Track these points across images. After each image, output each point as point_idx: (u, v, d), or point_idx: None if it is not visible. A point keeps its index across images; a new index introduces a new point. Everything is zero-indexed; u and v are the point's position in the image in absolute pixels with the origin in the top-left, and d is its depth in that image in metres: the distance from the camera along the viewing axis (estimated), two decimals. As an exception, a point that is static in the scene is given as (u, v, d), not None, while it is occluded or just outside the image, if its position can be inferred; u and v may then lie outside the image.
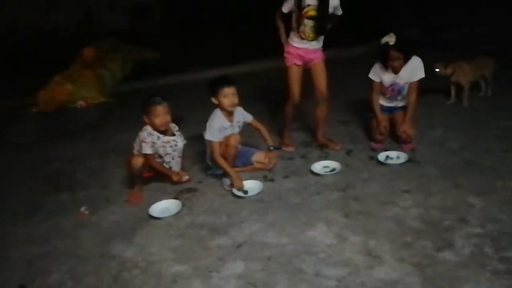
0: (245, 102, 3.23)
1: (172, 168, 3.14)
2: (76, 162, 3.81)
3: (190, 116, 4.34)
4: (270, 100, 4.73)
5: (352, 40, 6.95)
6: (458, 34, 6.88)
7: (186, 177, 3.16)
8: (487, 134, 3.40)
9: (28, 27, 8.27)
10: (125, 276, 2.21)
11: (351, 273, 2.04)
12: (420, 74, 3.25)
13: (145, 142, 2.95)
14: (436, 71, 4.07)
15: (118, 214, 2.85)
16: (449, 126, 3.64)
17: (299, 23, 3.17)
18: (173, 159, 3.12)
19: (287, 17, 3.27)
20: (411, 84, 3.27)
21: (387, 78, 3.32)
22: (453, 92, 4.23)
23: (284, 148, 3.45)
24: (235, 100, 3.00)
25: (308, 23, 3.16)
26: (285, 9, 3.22)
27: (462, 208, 2.47)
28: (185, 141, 3.19)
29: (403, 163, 3.08)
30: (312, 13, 3.13)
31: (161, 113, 2.96)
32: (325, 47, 3.37)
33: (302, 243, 2.31)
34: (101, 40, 7.30)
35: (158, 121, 2.96)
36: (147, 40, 7.99)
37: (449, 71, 4.07)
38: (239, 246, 2.35)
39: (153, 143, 2.99)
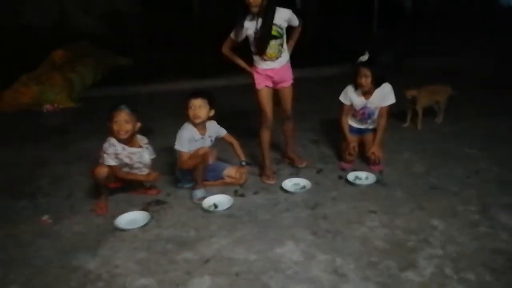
0: (220, 116, 3.22)
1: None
2: (39, 168, 3.67)
3: (162, 127, 4.28)
4: (246, 115, 4.75)
5: (331, 60, 7.13)
6: (425, 62, 7.22)
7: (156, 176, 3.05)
8: (450, 160, 3.53)
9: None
10: (87, 289, 2.13)
11: (317, 291, 2.05)
12: (391, 99, 3.35)
13: (106, 153, 2.84)
14: (409, 98, 4.23)
15: (83, 224, 2.76)
16: (415, 151, 3.76)
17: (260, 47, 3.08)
18: (143, 166, 3.03)
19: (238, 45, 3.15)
20: (381, 108, 3.36)
21: (359, 102, 3.39)
22: (409, 116, 4.43)
23: (265, 181, 3.28)
24: (200, 112, 2.98)
25: (270, 44, 3.05)
26: (239, 38, 3.08)
27: (425, 230, 2.55)
28: (154, 155, 3.09)
29: (371, 184, 3.15)
30: (274, 33, 3.04)
31: (120, 119, 2.85)
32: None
33: (270, 259, 2.31)
34: (74, 43, 7.15)
35: (116, 127, 2.85)
36: (121, 46, 7.88)
37: (415, 95, 4.24)
38: (206, 261, 2.32)
39: (117, 154, 2.87)
